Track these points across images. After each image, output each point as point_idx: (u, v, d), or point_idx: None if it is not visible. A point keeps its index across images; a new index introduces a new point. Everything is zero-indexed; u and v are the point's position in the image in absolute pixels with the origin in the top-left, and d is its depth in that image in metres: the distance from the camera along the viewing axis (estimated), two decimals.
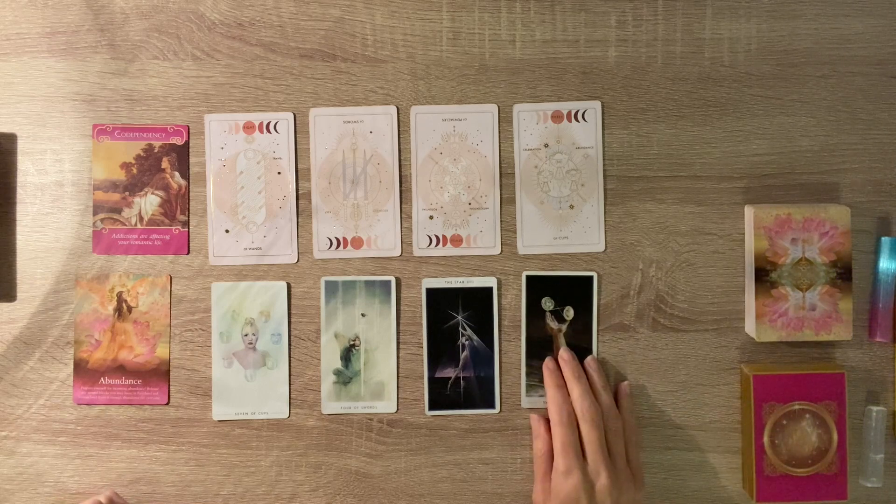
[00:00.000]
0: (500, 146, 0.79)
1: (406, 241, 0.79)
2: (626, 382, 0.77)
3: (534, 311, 0.78)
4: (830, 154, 0.79)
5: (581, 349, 0.78)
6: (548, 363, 0.77)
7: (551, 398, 0.75)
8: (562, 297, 0.78)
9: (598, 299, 0.78)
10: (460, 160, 0.79)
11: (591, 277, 0.78)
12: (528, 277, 0.78)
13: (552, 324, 0.78)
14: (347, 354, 0.79)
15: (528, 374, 0.78)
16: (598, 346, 0.78)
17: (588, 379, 0.76)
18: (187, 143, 0.79)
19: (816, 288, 0.75)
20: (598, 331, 0.78)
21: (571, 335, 0.78)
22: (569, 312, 0.78)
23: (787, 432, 0.75)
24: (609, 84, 0.79)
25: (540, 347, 0.78)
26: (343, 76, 0.79)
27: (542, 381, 0.78)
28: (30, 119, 0.79)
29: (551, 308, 0.78)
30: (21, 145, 0.79)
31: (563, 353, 0.77)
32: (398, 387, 0.79)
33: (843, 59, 0.78)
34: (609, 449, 0.73)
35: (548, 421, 0.76)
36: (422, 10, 0.79)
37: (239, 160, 0.79)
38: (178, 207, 0.79)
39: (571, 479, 0.71)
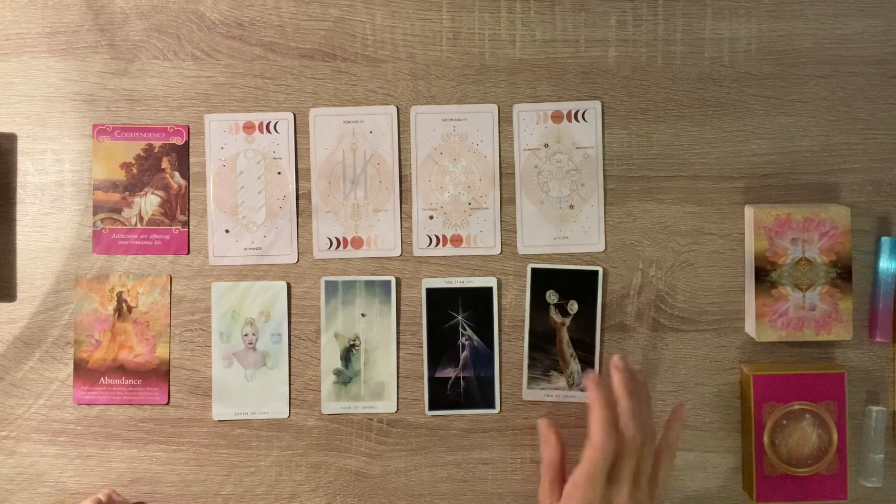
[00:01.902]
0: (500, 146, 0.79)
1: (406, 241, 0.79)
2: (684, 405, 0.73)
3: (538, 304, 0.78)
4: (830, 154, 0.79)
5: (584, 344, 0.78)
6: (593, 376, 0.71)
7: (600, 417, 0.68)
8: (566, 292, 0.78)
9: (604, 294, 0.78)
10: (460, 160, 0.79)
11: (596, 272, 0.78)
12: (533, 270, 0.78)
13: (556, 317, 0.78)
14: (347, 354, 0.79)
15: (530, 367, 0.78)
16: (601, 342, 0.78)
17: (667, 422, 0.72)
18: (187, 143, 0.79)
19: (816, 288, 0.75)
20: (602, 326, 0.78)
21: (575, 329, 0.78)
22: (573, 306, 0.78)
23: (787, 432, 0.75)
24: (609, 84, 0.79)
25: (543, 341, 0.78)
26: (343, 76, 0.79)
27: (544, 374, 0.78)
28: (30, 119, 0.79)
29: (556, 301, 0.78)
30: (21, 145, 0.79)
31: (617, 361, 0.71)
32: (398, 387, 0.79)
33: (843, 59, 0.79)
34: (638, 470, 0.69)
35: (557, 430, 0.73)
36: (422, 10, 0.79)
37: (239, 160, 0.79)
38: (178, 207, 0.79)
39: (590, 496, 0.67)
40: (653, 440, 0.70)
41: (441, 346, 0.78)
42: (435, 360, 0.78)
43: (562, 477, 0.72)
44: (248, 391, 0.78)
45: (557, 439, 0.73)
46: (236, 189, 0.79)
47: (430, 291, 0.78)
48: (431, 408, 0.79)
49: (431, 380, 0.79)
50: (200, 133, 0.79)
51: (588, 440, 0.68)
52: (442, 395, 0.78)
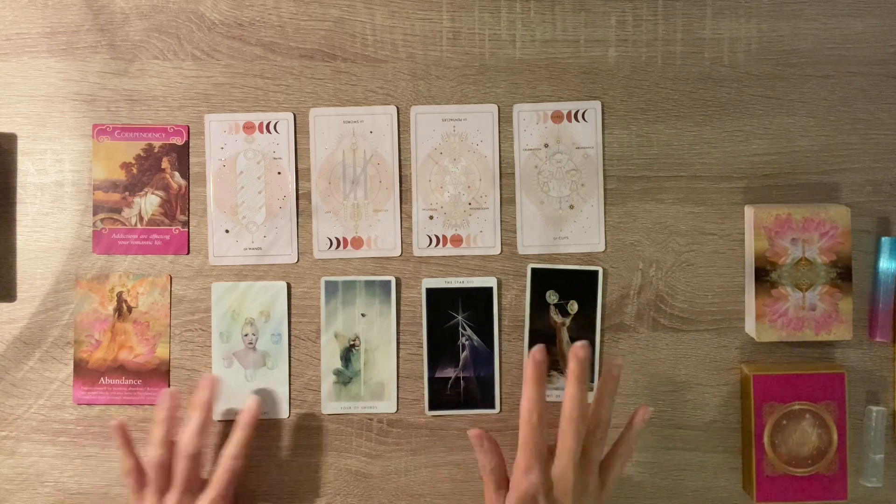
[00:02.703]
0: (500, 146, 0.79)
1: (406, 241, 0.79)
2: (649, 409, 0.72)
3: (537, 304, 0.78)
4: (830, 154, 0.79)
5: None
6: (536, 353, 0.71)
7: (528, 394, 0.70)
8: (566, 292, 0.78)
9: (603, 294, 0.78)
10: (460, 160, 0.79)
11: (595, 272, 0.78)
12: (533, 270, 0.78)
13: (556, 317, 0.78)
14: (347, 354, 0.79)
15: None
16: (601, 341, 0.78)
17: (602, 382, 0.72)
18: (187, 143, 0.79)
19: (816, 288, 0.75)
20: (602, 326, 0.78)
21: (575, 330, 0.78)
22: (573, 306, 0.78)
23: (787, 432, 0.75)
24: (609, 84, 0.79)
25: (543, 340, 0.78)
26: (343, 76, 0.79)
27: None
28: (30, 119, 0.79)
29: (555, 301, 0.78)
30: (21, 145, 0.79)
31: (579, 351, 0.70)
32: (398, 387, 0.79)
33: (844, 59, 0.78)
34: (588, 457, 0.69)
35: (489, 436, 0.73)
36: (422, 10, 0.79)
37: (239, 160, 0.79)
38: (178, 207, 0.79)
39: (531, 477, 0.68)
40: (605, 429, 0.70)
41: (441, 346, 0.78)
42: (435, 360, 0.78)
43: (506, 481, 0.72)
44: (248, 391, 0.78)
45: (492, 444, 0.73)
46: (236, 189, 0.79)
47: (430, 291, 0.78)
48: (431, 408, 0.79)
49: (431, 380, 0.79)
50: (200, 133, 0.79)
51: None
52: (442, 395, 0.78)
